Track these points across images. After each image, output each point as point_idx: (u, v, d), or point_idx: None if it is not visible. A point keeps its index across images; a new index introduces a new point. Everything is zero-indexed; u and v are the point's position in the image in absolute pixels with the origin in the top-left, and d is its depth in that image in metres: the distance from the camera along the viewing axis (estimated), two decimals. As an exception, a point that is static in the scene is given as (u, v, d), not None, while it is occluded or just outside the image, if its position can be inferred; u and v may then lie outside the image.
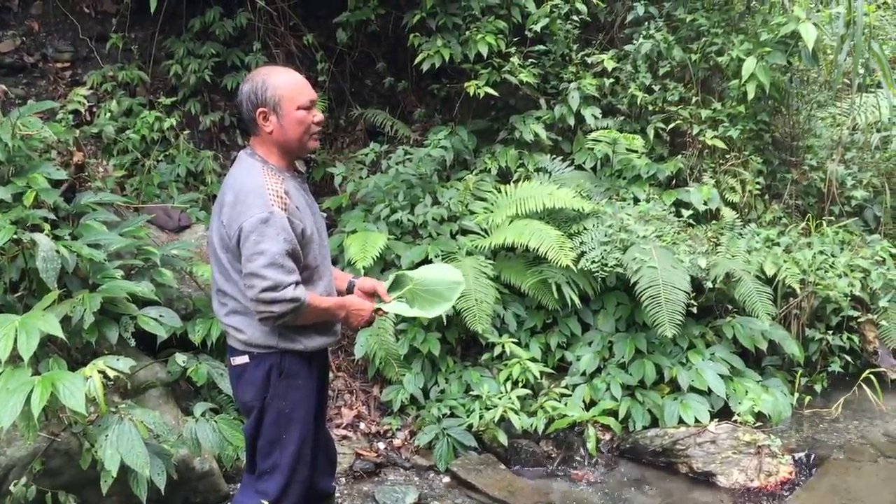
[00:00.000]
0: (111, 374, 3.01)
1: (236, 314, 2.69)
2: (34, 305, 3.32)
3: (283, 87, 2.65)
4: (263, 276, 2.51)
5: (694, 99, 5.79)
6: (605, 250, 4.92)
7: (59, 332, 3.03)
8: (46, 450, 3.26)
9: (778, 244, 5.41)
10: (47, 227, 3.54)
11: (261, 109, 2.64)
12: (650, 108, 5.82)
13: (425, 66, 5.59)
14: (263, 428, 2.76)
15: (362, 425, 4.68)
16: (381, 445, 4.58)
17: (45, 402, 2.80)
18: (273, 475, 2.76)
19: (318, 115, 2.73)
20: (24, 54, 5.80)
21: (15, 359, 2.97)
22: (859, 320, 5.39)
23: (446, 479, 4.34)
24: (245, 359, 2.73)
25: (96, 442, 3.04)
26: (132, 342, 3.60)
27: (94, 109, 5.59)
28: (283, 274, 2.53)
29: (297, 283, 2.57)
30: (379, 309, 2.93)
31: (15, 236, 3.31)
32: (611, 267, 4.86)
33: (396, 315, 3.23)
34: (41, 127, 4.01)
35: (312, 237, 2.72)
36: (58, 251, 3.32)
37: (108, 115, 5.37)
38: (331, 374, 4.85)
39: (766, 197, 5.94)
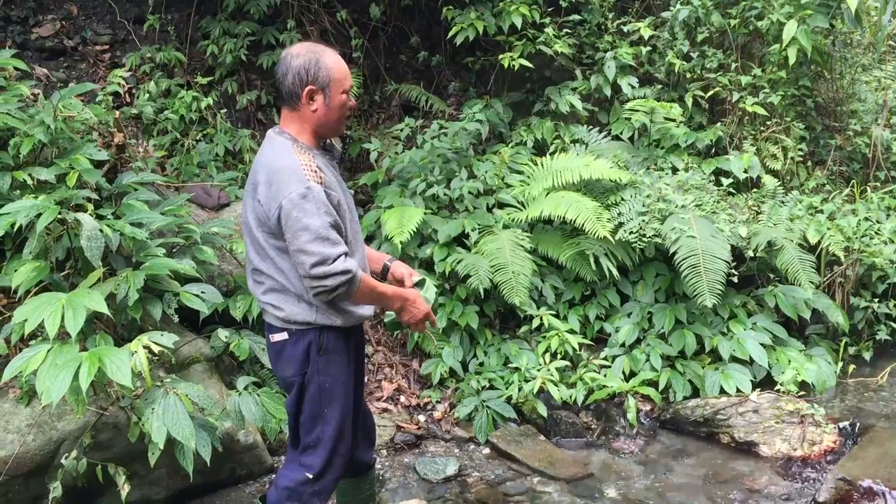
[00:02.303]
0: (156, 349, 3.08)
1: (273, 292, 2.71)
2: (80, 283, 3.39)
3: (334, 68, 2.67)
4: (310, 251, 2.52)
5: (733, 65, 5.69)
6: (643, 221, 4.87)
7: (104, 309, 3.10)
8: (96, 424, 3.34)
9: (821, 211, 5.32)
10: (90, 206, 3.60)
11: (310, 87, 2.64)
12: (688, 75, 5.73)
13: (459, 40, 5.57)
14: (305, 403, 2.79)
15: (402, 398, 4.73)
16: (422, 418, 4.62)
17: (93, 376, 2.88)
18: (317, 449, 2.80)
19: (352, 101, 2.78)
20: (64, 38, 5.90)
21: (63, 335, 3.05)
22: (906, 287, 5.30)
23: (486, 451, 4.38)
24: (284, 335, 2.76)
25: (143, 415, 3.11)
26: (176, 318, 3.67)
27: (134, 91, 5.68)
28: (329, 247, 2.54)
29: (345, 254, 2.60)
30: (430, 318, 2.93)
31: (60, 216, 3.37)
32: (649, 237, 4.82)
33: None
34: (82, 109, 4.09)
35: (345, 212, 2.73)
36: (101, 230, 3.38)
37: (147, 96, 5.45)
38: (371, 349, 4.91)
39: (809, 164, 5.84)
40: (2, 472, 3.17)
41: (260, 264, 2.71)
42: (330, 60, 2.68)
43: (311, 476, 2.78)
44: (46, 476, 3.27)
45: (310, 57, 2.66)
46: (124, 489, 3.21)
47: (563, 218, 4.88)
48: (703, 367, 4.75)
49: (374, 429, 3.20)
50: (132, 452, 3.36)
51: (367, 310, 2.84)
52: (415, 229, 4.80)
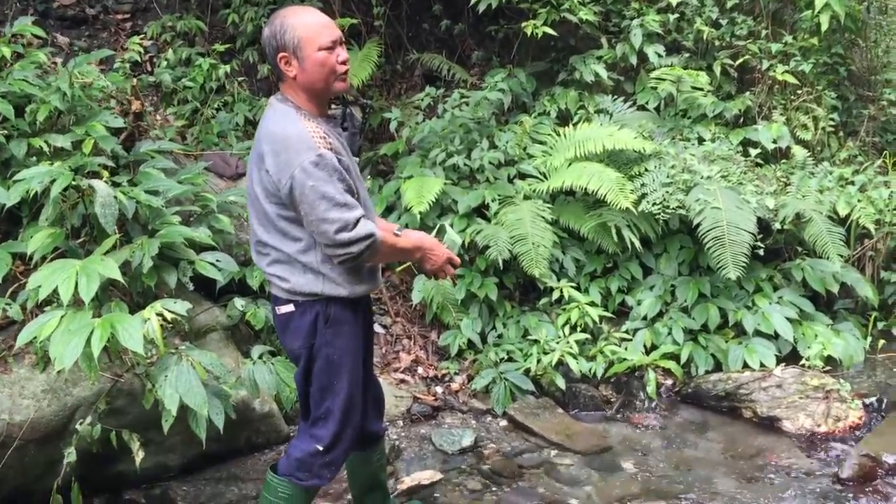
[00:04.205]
0: (169, 316, 3.06)
1: (279, 263, 2.67)
2: (95, 251, 3.39)
3: (301, 28, 2.53)
4: (331, 219, 2.47)
5: (763, 32, 5.53)
6: (667, 192, 4.77)
7: (118, 276, 3.09)
8: (110, 390, 3.36)
9: (852, 183, 5.18)
10: (106, 173, 3.59)
11: (282, 54, 2.55)
12: (717, 43, 5.59)
13: (482, 7, 5.46)
14: (313, 375, 2.75)
15: (420, 369, 4.70)
16: (439, 389, 4.59)
17: (105, 343, 2.87)
18: (326, 422, 2.77)
19: (342, 55, 2.59)
20: (85, 6, 5.88)
21: (79, 302, 3.05)
22: (939, 262, 5.15)
23: (503, 423, 4.34)
24: (290, 307, 2.71)
25: (157, 382, 3.11)
26: (191, 286, 3.65)
27: (155, 60, 5.66)
28: (347, 211, 2.50)
29: (363, 217, 2.55)
30: (452, 260, 2.90)
31: (74, 183, 3.36)
32: (673, 209, 4.72)
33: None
34: (98, 76, 4.07)
35: (355, 178, 2.68)
36: (115, 197, 3.37)
37: (165, 63, 5.42)
38: (389, 319, 4.89)
39: (841, 134, 5.69)
40: (17, 436, 3.19)
41: (264, 235, 2.66)
42: (296, 21, 2.54)
43: (321, 448, 2.76)
44: (61, 441, 3.28)
45: (275, 24, 2.55)
46: (138, 455, 3.22)
47: (586, 189, 4.79)
48: (726, 341, 4.66)
49: (383, 399, 3.16)
50: (147, 419, 3.36)
51: (374, 281, 2.80)
52: (434, 199, 4.74)
